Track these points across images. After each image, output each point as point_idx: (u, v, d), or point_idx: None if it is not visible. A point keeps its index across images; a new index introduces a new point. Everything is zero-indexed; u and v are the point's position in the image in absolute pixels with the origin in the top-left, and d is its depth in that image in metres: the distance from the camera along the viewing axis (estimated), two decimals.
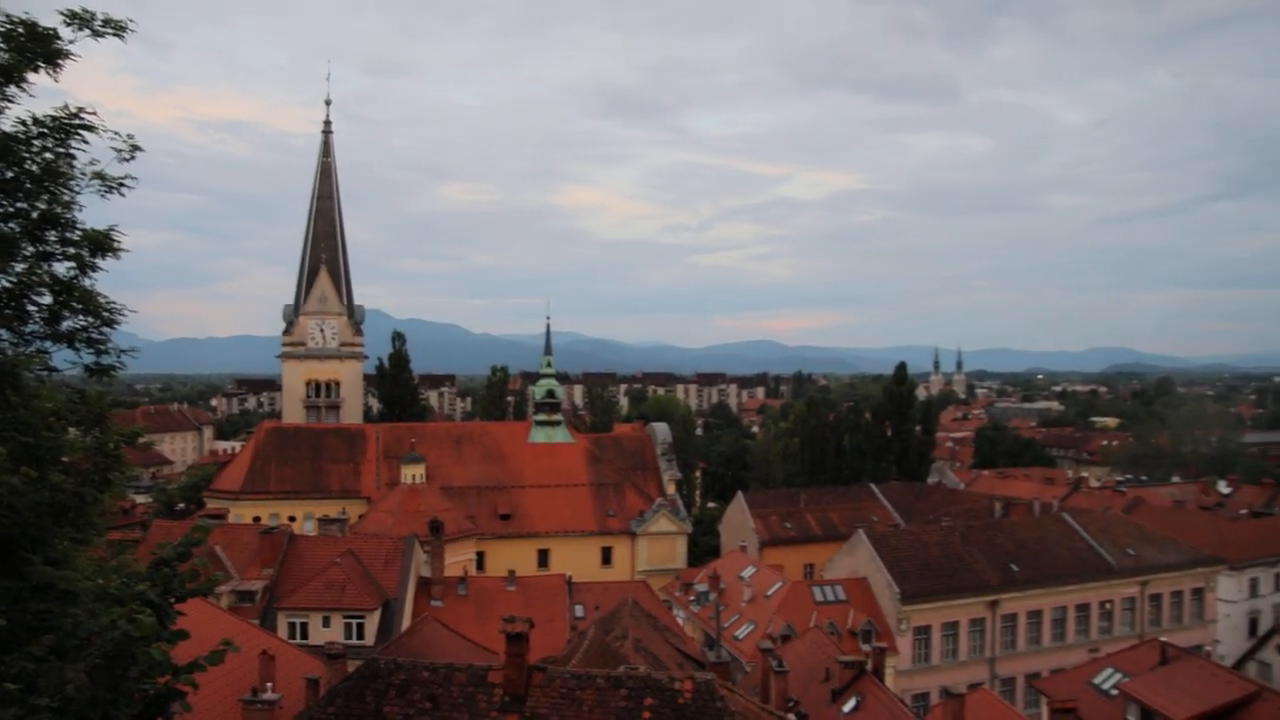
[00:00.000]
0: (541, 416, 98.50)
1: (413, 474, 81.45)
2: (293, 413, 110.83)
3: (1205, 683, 45.49)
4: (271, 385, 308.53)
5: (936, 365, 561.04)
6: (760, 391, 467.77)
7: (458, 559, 72.30)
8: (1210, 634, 75.43)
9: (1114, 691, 49.03)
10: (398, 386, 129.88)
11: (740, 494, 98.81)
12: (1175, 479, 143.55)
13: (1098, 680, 51.44)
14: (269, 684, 33.91)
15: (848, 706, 37.77)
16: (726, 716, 22.90)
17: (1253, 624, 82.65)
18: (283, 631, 50.68)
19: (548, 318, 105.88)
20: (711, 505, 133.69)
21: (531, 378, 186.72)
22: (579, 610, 58.66)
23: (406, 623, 52.45)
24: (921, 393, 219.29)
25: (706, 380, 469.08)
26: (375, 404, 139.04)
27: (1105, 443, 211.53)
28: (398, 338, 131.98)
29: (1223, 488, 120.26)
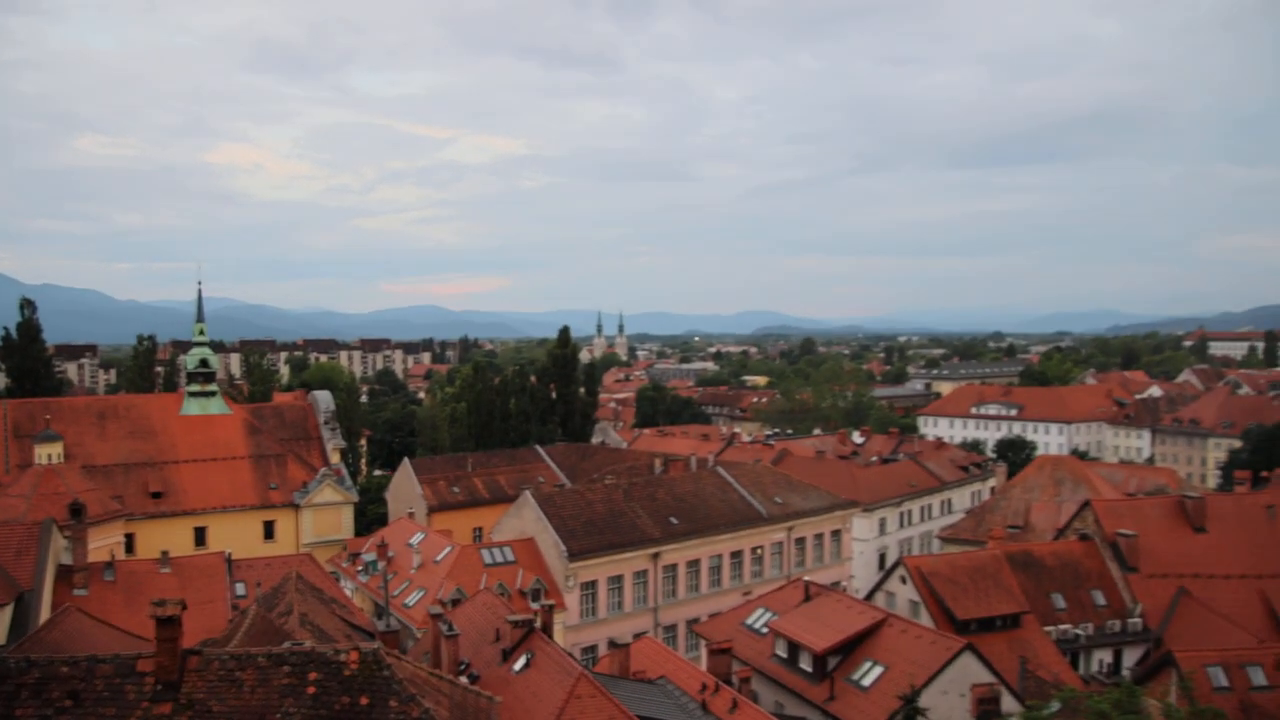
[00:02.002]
0: (195, 387, 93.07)
1: (48, 454, 75.17)
2: None
3: (841, 614, 49.81)
4: None
5: (599, 328, 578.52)
6: (426, 357, 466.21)
7: (103, 543, 67.31)
8: (847, 570, 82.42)
9: (764, 630, 52.72)
10: (28, 359, 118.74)
11: (407, 461, 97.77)
12: (817, 431, 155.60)
13: (750, 620, 55.09)
14: None
15: (518, 665, 38.36)
16: (394, 684, 22.78)
17: (882, 558, 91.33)
18: None
19: (199, 283, 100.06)
20: (378, 473, 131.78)
21: (183, 346, 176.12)
22: (240, 588, 56.12)
23: (45, 616, 48.41)
24: (585, 355, 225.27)
25: (371, 346, 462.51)
26: (2, 379, 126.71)
27: (756, 400, 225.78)
28: (27, 305, 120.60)
29: (856, 438, 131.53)
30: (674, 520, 71.25)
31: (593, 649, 63.63)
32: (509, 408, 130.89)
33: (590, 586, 65.96)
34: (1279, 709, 41.72)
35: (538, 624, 40.72)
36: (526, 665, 38.04)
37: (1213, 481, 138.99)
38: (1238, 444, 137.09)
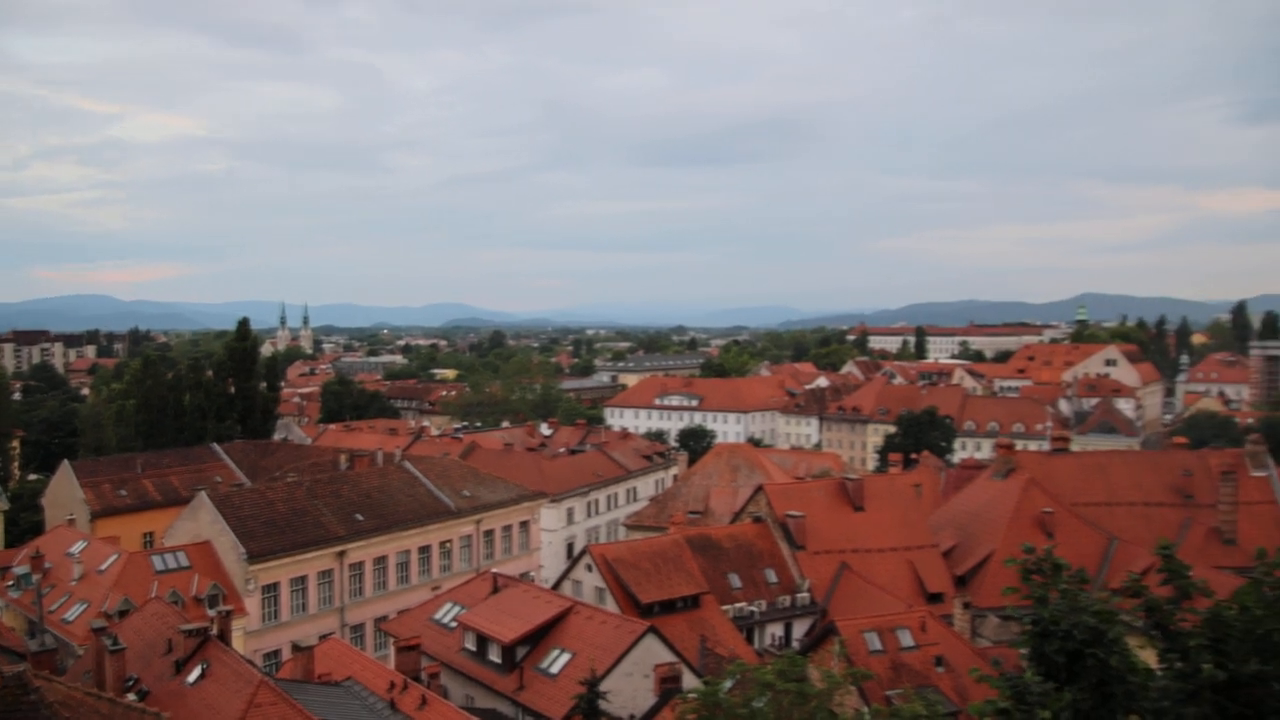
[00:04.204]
0: None
1: None
2: None
3: (529, 604, 50.47)
4: None
5: (283, 320, 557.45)
6: (91, 350, 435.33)
7: None
8: (535, 561, 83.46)
9: (453, 624, 52.64)
10: None
11: (67, 463, 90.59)
12: (505, 424, 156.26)
13: (439, 615, 54.85)
14: None
15: (192, 676, 36.54)
16: (42, 709, 21.15)
17: (570, 547, 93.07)
18: None
19: None
20: (33, 477, 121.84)
21: None
22: None
23: None
24: (267, 349, 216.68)
25: (26, 339, 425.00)
26: None
27: (445, 393, 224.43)
28: None
29: (544, 430, 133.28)
30: (360, 517, 69.76)
31: (276, 654, 61.37)
32: (183, 404, 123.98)
33: (272, 589, 63.50)
34: (923, 666, 46.25)
35: (214, 632, 38.98)
36: (201, 676, 36.34)
37: (871, 464, 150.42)
38: (892, 429, 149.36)
